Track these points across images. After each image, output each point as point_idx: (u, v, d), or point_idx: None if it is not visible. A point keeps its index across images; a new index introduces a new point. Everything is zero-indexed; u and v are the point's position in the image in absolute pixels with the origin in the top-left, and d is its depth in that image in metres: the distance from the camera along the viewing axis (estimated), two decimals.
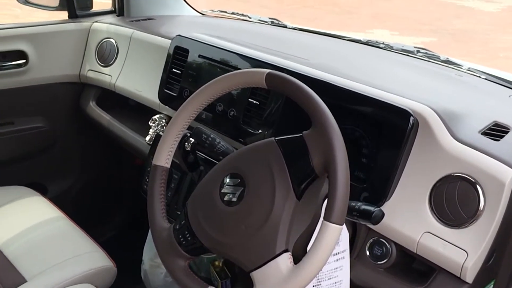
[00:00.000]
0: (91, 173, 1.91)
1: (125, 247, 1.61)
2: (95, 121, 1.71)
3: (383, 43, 1.57)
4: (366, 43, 1.60)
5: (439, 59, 1.43)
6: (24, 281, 1.19)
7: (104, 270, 1.26)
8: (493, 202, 0.83)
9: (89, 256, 1.28)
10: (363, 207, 0.84)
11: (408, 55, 1.48)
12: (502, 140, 0.92)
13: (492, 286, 0.94)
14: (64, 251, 1.29)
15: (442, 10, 9.66)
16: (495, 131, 0.95)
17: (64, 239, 1.35)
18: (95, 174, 1.92)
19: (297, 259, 0.78)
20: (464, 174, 0.86)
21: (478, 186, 0.85)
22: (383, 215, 0.84)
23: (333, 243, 0.74)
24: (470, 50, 6.67)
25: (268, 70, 0.85)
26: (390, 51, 1.53)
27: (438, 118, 0.93)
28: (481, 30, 8.01)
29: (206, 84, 0.93)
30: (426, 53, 1.47)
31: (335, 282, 0.94)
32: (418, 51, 1.48)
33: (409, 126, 0.90)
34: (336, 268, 0.94)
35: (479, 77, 1.31)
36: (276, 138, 0.84)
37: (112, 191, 1.98)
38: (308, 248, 0.84)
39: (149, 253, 1.58)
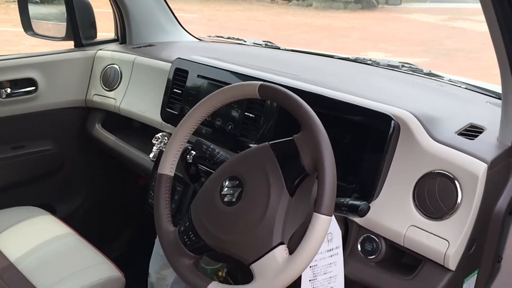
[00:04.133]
0: (98, 193, 1.98)
1: (133, 262, 1.67)
2: (101, 142, 1.80)
3: (370, 60, 1.68)
4: (355, 60, 1.70)
5: (422, 72, 1.53)
6: None
7: (113, 280, 1.32)
8: (469, 194, 0.91)
9: (98, 268, 1.35)
10: (351, 202, 0.91)
11: (393, 70, 1.58)
12: (477, 139, 1.00)
13: (476, 275, 1.00)
14: (74, 264, 1.35)
15: (435, 31, 9.88)
16: (471, 132, 1.03)
17: (74, 253, 1.42)
18: (102, 194, 1.99)
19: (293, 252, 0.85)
20: (443, 171, 0.95)
21: (455, 181, 0.93)
22: (368, 208, 0.91)
23: (324, 232, 0.81)
24: (462, 68, 6.81)
25: (261, 82, 0.95)
26: (377, 66, 1.63)
27: (418, 121, 1.01)
28: (473, 49, 8.17)
29: (205, 98, 1.02)
30: (410, 67, 1.58)
31: (330, 277, 1.01)
32: (403, 66, 1.59)
33: (391, 129, 0.99)
34: (330, 264, 1.01)
35: (459, 86, 1.41)
36: (270, 143, 0.92)
37: (119, 210, 2.05)
38: None
39: (155, 266, 1.64)
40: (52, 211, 1.73)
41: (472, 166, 0.92)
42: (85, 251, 1.43)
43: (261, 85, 0.94)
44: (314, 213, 0.82)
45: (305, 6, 12.81)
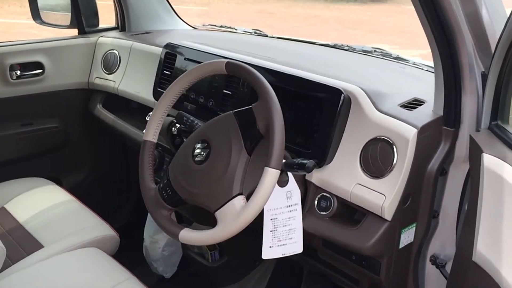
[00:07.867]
0: (100, 167, 2.17)
1: (132, 230, 1.85)
2: (102, 121, 1.97)
3: (347, 46, 1.82)
4: (333, 46, 1.85)
5: (391, 56, 1.67)
6: (42, 246, 1.44)
7: (109, 238, 1.49)
8: (403, 155, 1.06)
9: (96, 227, 1.52)
10: (300, 161, 1.07)
11: (366, 54, 1.73)
12: (415, 110, 1.15)
13: (414, 228, 1.16)
14: (75, 224, 1.53)
15: None
16: (412, 104, 1.18)
17: (75, 216, 1.59)
18: (104, 168, 2.18)
19: None
20: (383, 136, 1.10)
21: (393, 145, 1.08)
22: (314, 165, 1.07)
23: (273, 183, 0.97)
24: None
25: (227, 60, 1.11)
26: (353, 52, 1.77)
27: (366, 95, 1.16)
28: None
29: (182, 74, 1.18)
30: (381, 52, 1.72)
31: (290, 229, 1.17)
32: (375, 51, 1.73)
33: (341, 101, 1.14)
34: (289, 218, 1.17)
35: (421, 69, 1.55)
36: (233, 111, 1.09)
37: (120, 183, 2.24)
38: None
39: (149, 231, 1.83)
40: (58, 183, 1.91)
41: (405, 131, 1.07)
42: (85, 214, 1.60)
43: (227, 62, 1.10)
44: (265, 167, 0.98)
45: None
